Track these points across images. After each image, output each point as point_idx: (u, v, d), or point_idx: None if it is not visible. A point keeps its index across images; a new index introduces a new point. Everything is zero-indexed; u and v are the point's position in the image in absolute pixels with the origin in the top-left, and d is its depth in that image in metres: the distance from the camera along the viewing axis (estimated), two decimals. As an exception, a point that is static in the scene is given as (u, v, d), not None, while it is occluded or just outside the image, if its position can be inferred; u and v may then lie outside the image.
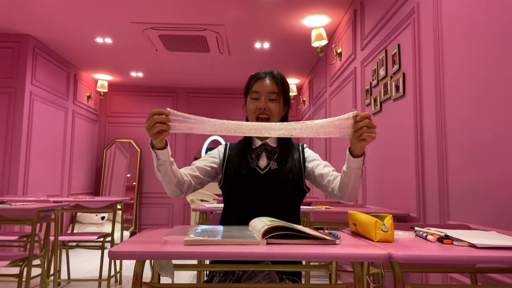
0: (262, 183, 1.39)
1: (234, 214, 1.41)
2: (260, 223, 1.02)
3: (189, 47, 4.67)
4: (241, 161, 1.41)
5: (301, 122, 1.13)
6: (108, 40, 4.52)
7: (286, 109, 1.49)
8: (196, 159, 6.42)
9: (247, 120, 1.47)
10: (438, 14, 1.95)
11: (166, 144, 1.20)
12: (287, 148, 1.46)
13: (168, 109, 1.13)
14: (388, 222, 1.01)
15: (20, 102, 4.34)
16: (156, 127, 1.10)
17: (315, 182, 1.44)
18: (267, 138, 1.45)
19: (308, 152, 1.49)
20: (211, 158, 1.47)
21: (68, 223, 5.44)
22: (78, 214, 5.43)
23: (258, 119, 1.40)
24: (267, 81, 1.41)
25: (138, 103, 6.59)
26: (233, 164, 1.42)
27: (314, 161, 1.45)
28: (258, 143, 1.46)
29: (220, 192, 1.53)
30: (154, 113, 1.11)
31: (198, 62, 5.25)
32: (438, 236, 1.03)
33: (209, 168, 1.44)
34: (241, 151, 1.45)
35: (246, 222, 1.18)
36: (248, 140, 1.48)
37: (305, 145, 1.52)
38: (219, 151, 1.50)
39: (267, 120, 1.40)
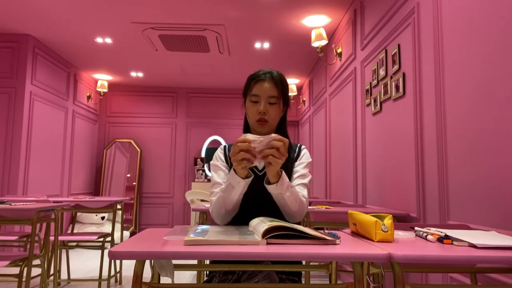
0: (260, 183, 1.39)
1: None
2: (260, 223, 1.02)
3: (189, 47, 4.67)
4: None
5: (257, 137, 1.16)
6: (108, 40, 4.52)
7: (285, 109, 1.49)
8: (196, 159, 6.44)
9: (245, 120, 1.48)
10: (438, 14, 1.95)
11: (249, 171, 1.25)
12: None
13: (244, 134, 1.17)
14: (388, 222, 1.01)
15: (20, 102, 4.34)
16: (240, 155, 1.14)
17: None
18: None
19: (302, 154, 1.48)
20: (224, 170, 1.46)
21: (68, 223, 5.44)
22: (78, 214, 5.43)
23: (257, 123, 1.39)
24: (267, 84, 1.39)
25: (138, 103, 6.60)
26: (232, 165, 1.42)
27: (298, 166, 1.44)
28: None
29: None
30: (238, 141, 1.15)
31: (198, 62, 5.25)
32: (438, 236, 1.03)
33: None
34: None
35: (244, 223, 1.18)
36: None
37: (303, 146, 1.51)
38: (220, 158, 1.48)
39: (266, 123, 1.39)
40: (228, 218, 1.37)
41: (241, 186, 1.25)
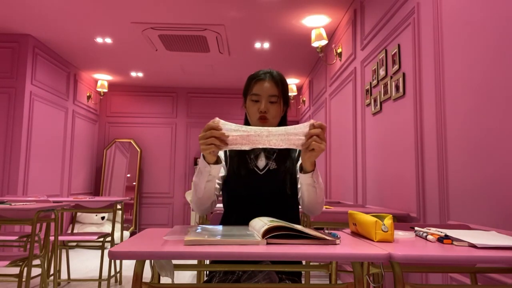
0: (261, 183, 1.38)
1: (234, 215, 1.41)
2: (260, 223, 1.02)
3: (189, 47, 4.67)
4: (240, 162, 1.40)
5: (264, 129, 1.12)
6: (108, 40, 4.52)
7: (285, 109, 1.48)
8: (196, 159, 6.43)
9: (246, 120, 1.47)
10: (438, 14, 1.95)
11: (218, 158, 1.21)
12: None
13: (217, 119, 1.13)
14: (388, 222, 1.01)
15: (20, 102, 4.34)
16: (211, 140, 1.10)
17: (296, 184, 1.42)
18: None
19: None
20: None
21: (68, 223, 5.44)
22: (78, 214, 5.43)
23: (259, 120, 1.39)
24: (267, 83, 1.39)
25: (138, 103, 6.60)
26: (232, 165, 1.41)
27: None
28: None
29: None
30: (211, 127, 1.11)
31: (198, 62, 5.24)
32: (438, 236, 1.03)
33: (223, 174, 1.43)
34: (240, 151, 1.42)
35: (246, 223, 1.18)
36: None
37: None
38: (219, 155, 1.48)
39: (267, 121, 1.38)
40: (203, 207, 1.35)
41: (207, 171, 1.22)
